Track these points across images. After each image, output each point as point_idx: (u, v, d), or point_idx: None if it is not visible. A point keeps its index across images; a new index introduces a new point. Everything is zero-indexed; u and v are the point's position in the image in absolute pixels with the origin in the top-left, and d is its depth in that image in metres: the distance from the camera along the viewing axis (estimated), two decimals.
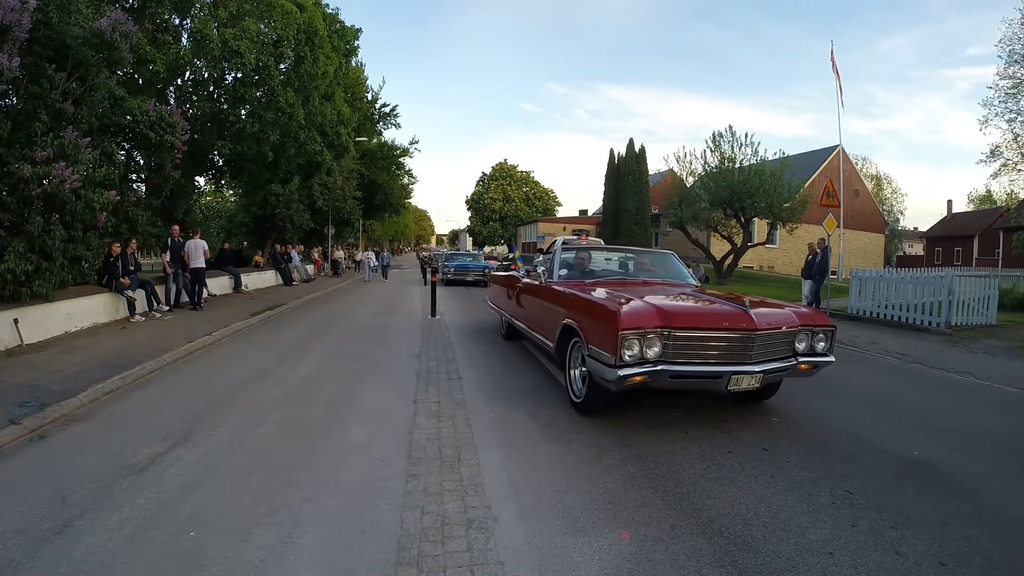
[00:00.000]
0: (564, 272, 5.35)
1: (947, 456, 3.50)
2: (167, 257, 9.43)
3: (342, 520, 2.51)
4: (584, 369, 3.98)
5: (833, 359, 3.97)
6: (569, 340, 4.30)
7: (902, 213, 45.92)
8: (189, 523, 2.46)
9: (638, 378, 3.36)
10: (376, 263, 22.54)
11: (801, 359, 3.78)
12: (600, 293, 4.24)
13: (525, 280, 6.02)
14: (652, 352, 3.40)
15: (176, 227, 10.05)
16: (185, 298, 9.72)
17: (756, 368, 3.50)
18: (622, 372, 3.34)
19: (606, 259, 6.13)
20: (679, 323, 3.45)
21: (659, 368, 3.39)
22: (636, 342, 3.36)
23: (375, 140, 28.87)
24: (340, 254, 24.89)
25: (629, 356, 3.35)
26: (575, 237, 21.13)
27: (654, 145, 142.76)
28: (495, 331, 8.30)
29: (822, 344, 3.92)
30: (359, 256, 27.61)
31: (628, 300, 3.75)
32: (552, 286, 5.00)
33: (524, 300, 5.92)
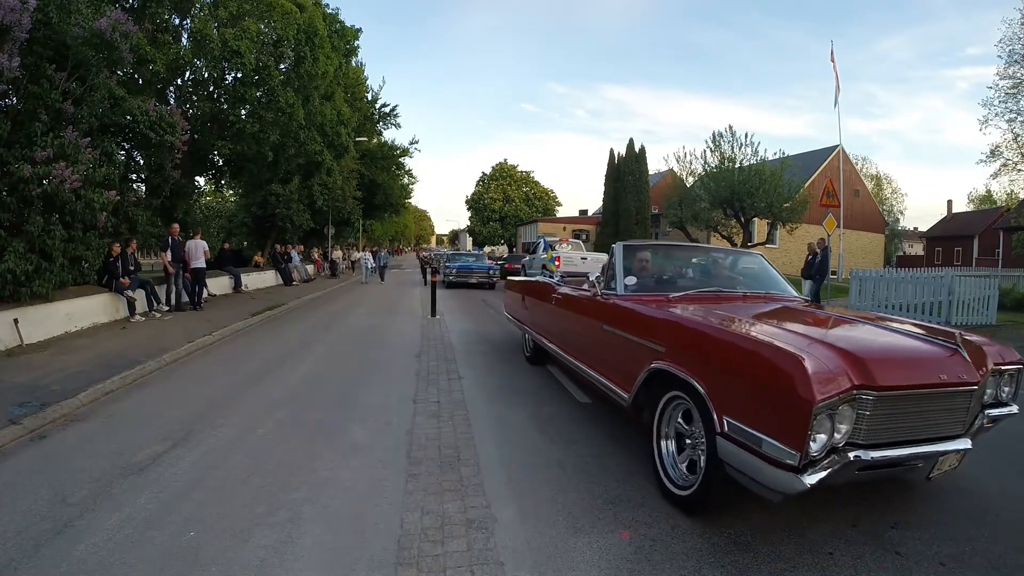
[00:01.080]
0: (632, 282, 3.64)
1: None
2: (168, 256, 9.40)
3: (342, 520, 2.51)
4: (685, 434, 2.70)
5: (1016, 408, 2.76)
6: (661, 394, 2.86)
7: (902, 213, 45.98)
8: (189, 523, 2.46)
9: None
10: (373, 264, 21.79)
11: (987, 412, 2.58)
12: (726, 319, 2.73)
13: (565, 290, 4.67)
14: (841, 431, 2.08)
15: (176, 226, 10.00)
16: (185, 298, 9.72)
17: (968, 443, 2.33)
18: (810, 477, 1.98)
19: (680, 262, 4.51)
20: (885, 378, 2.10)
21: (851, 458, 2.06)
22: (827, 420, 2.01)
23: (375, 140, 28.89)
24: (338, 254, 24.47)
25: (817, 447, 2.01)
26: (556, 238, 20.58)
27: (654, 145, 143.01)
28: (496, 332, 8.29)
29: (1007, 389, 2.77)
30: (355, 256, 26.91)
31: (800, 339, 2.35)
32: (619, 303, 3.49)
33: (566, 318, 4.45)
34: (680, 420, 2.80)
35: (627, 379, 3.12)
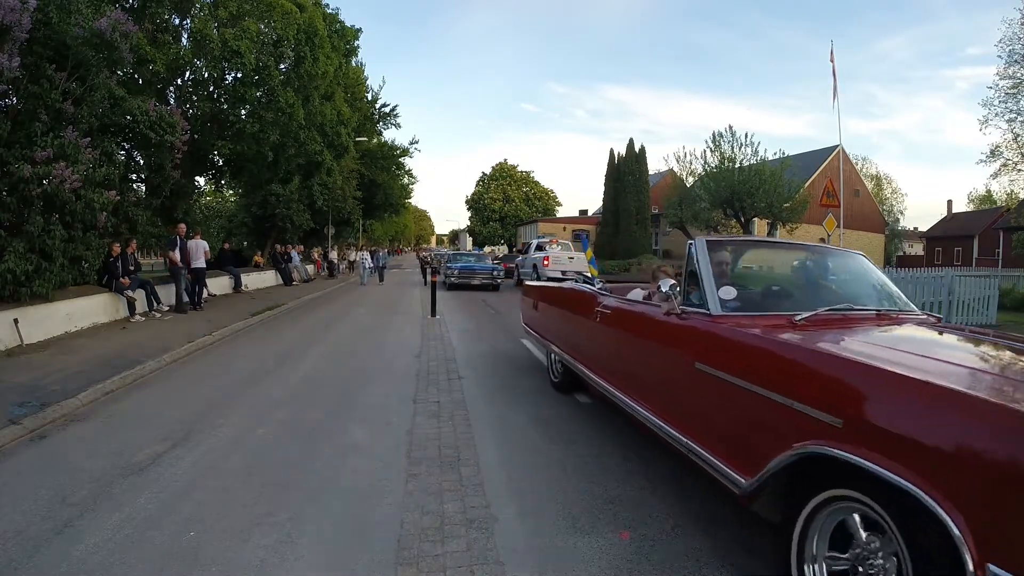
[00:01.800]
0: (731, 295, 2.49)
1: None
2: (176, 256, 9.39)
3: (342, 520, 2.51)
4: (846, 556, 1.68)
5: None
6: (815, 490, 1.74)
7: (902, 213, 45.92)
8: (189, 523, 2.46)
9: None
10: (372, 264, 21.24)
11: None
12: (957, 373, 1.73)
13: (613, 302, 3.52)
14: None
15: (183, 226, 10.09)
16: (185, 298, 9.71)
17: None
18: None
19: (779, 265, 3.53)
20: None
21: None
22: None
23: (375, 140, 28.91)
24: (334, 255, 24.16)
25: None
26: (546, 239, 20.98)
27: (654, 145, 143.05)
28: (496, 331, 8.28)
29: None
30: (353, 256, 26.53)
31: None
32: (719, 330, 2.32)
33: (623, 344, 3.32)
34: (827, 546, 1.75)
35: (745, 455, 2.00)
